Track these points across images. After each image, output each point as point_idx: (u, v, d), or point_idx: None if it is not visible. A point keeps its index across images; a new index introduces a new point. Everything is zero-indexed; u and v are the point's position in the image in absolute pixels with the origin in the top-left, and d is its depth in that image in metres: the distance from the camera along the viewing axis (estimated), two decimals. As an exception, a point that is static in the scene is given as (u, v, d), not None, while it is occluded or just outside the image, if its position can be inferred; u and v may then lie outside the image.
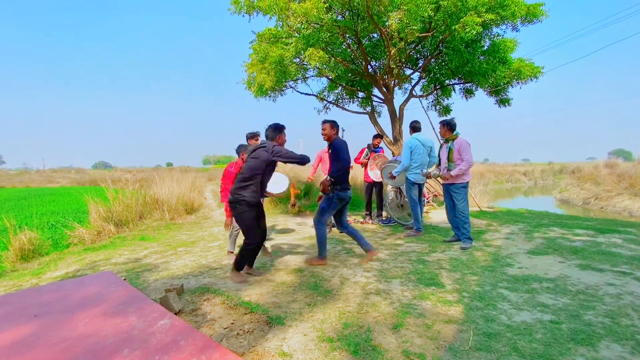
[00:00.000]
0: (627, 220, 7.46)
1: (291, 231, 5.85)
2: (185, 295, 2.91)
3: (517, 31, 6.95)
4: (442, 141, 4.57)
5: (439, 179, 4.58)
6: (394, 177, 4.92)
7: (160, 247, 5.00)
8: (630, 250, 3.76)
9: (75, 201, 10.48)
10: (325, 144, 3.94)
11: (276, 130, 3.35)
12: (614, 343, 1.96)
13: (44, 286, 3.11)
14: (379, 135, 6.53)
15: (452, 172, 4.21)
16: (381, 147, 6.50)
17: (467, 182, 4.30)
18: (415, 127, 5.04)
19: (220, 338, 2.17)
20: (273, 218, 7.17)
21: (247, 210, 3.17)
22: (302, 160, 3.19)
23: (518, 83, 7.41)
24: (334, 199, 3.65)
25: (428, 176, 4.81)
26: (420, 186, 5.01)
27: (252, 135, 4.74)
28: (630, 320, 2.21)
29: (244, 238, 3.25)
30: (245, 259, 3.30)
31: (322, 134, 3.83)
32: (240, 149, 3.99)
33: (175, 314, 2.49)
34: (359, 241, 3.79)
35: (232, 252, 4.12)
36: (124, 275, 3.61)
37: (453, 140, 4.30)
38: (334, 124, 3.80)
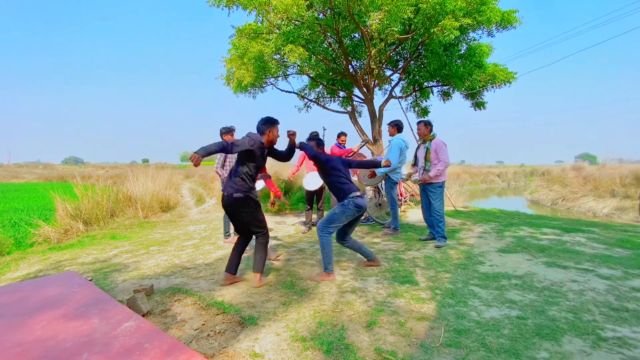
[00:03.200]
0: (591, 220, 7.86)
1: (269, 230, 5.77)
2: (155, 296, 2.80)
3: (492, 37, 7.21)
4: (419, 141, 4.64)
5: (419, 182, 4.58)
6: (374, 176, 4.93)
7: (132, 246, 4.81)
8: (592, 249, 3.95)
9: (41, 198, 9.94)
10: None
11: (267, 123, 2.99)
12: (576, 337, 2.04)
13: (1, 287, 2.91)
14: (343, 133, 6.38)
15: (431, 174, 4.27)
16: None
17: (443, 182, 4.38)
18: (399, 127, 4.98)
19: (190, 340, 2.10)
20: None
21: (259, 205, 3.02)
22: (225, 149, 2.63)
23: (492, 87, 7.67)
24: (350, 206, 3.10)
25: (409, 179, 4.86)
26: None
27: (227, 131, 4.61)
28: (591, 315, 2.32)
29: (259, 233, 3.05)
30: (265, 254, 3.11)
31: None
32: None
33: (143, 315, 2.39)
34: (360, 251, 3.43)
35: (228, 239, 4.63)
36: (91, 275, 3.44)
37: (430, 140, 4.37)
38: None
